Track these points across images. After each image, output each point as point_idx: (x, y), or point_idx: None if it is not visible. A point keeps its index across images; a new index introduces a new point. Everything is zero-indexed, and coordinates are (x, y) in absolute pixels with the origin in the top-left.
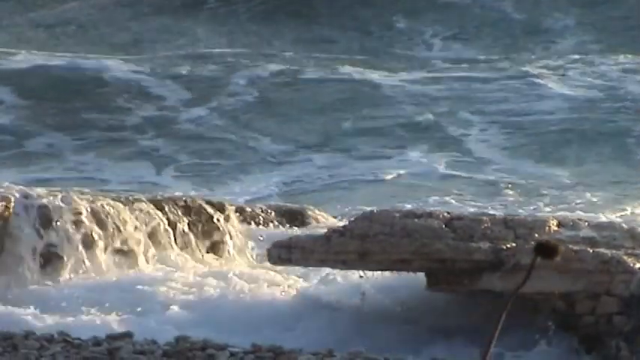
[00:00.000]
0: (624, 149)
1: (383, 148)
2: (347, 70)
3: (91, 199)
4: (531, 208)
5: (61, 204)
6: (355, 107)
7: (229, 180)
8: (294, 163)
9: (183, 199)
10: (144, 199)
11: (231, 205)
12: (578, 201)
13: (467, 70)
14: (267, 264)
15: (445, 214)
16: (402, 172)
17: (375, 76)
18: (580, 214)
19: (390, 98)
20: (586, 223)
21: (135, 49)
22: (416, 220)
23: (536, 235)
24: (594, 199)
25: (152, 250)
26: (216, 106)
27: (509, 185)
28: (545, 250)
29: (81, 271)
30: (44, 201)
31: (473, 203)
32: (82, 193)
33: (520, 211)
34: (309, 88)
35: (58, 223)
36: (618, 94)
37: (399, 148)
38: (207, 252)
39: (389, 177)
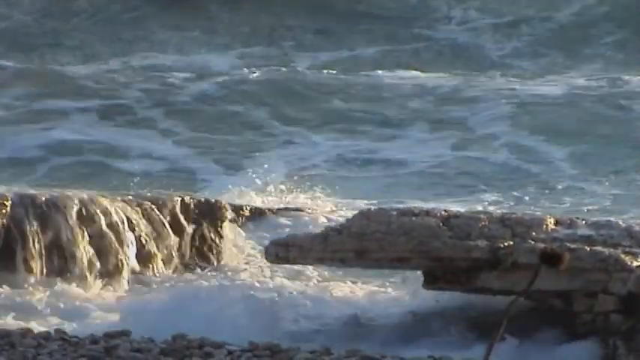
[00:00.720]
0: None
1: (386, 133)
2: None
3: (88, 198)
4: (538, 202)
5: (60, 203)
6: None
7: (237, 162)
8: (300, 149)
9: (185, 197)
10: (145, 194)
11: (228, 203)
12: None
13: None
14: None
15: (442, 212)
16: (401, 161)
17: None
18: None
19: (393, 85)
20: (583, 222)
21: (140, 39)
22: (413, 218)
23: (534, 234)
24: (599, 193)
25: (154, 249)
26: (223, 91)
27: (511, 179)
28: (550, 258)
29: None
30: (42, 200)
31: (472, 198)
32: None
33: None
34: (317, 76)
35: (57, 223)
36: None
37: (401, 132)
38: (207, 252)
39: (390, 167)
